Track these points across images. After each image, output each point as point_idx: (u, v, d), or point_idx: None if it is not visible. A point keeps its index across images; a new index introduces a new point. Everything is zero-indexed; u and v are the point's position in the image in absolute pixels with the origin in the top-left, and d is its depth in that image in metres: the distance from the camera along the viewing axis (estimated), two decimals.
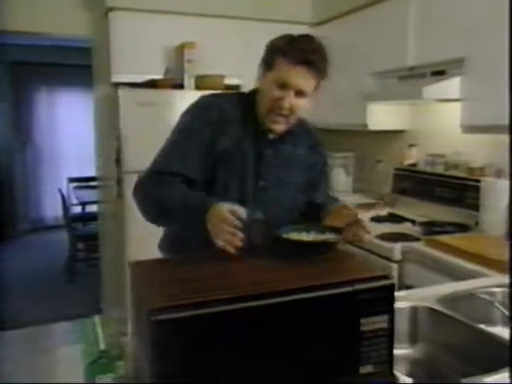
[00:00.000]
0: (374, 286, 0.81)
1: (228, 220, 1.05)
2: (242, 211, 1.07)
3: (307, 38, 1.29)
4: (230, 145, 1.31)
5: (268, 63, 1.30)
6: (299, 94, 1.27)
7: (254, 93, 1.39)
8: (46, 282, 4.35)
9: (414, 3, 2.41)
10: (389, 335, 0.86)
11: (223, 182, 1.31)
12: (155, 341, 0.66)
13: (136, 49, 2.86)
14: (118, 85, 2.82)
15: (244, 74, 2.70)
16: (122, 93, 2.66)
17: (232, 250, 1.01)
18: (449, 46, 2.21)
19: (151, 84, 2.81)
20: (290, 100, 1.26)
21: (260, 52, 1.35)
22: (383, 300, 0.83)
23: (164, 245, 1.46)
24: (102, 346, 0.85)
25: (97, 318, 0.95)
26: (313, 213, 1.40)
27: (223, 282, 0.80)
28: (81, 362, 0.96)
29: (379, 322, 0.84)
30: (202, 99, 1.39)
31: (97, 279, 3.70)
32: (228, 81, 2.95)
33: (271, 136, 1.36)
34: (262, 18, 2.99)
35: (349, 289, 0.80)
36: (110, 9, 2.82)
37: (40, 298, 3.92)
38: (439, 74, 2.29)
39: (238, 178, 1.32)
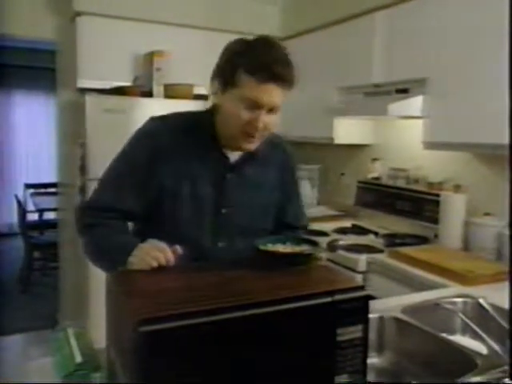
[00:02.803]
0: (352, 297, 0.84)
1: (157, 246, 1.02)
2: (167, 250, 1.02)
3: (269, 47, 1.16)
4: (178, 173, 1.21)
5: (229, 78, 1.16)
6: (271, 110, 1.17)
7: (211, 111, 1.26)
8: None
9: (380, 23, 2.51)
10: (363, 345, 0.88)
11: (171, 214, 1.22)
12: (142, 352, 0.66)
13: (103, 55, 2.82)
14: (83, 90, 2.77)
15: None
16: (88, 99, 2.61)
17: (155, 264, 0.98)
18: (412, 67, 2.31)
19: (119, 91, 2.77)
20: (264, 119, 1.16)
21: None
22: (360, 310, 0.86)
23: None
24: (79, 359, 0.83)
25: (70, 330, 0.93)
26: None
27: (205, 293, 0.80)
28: (50, 376, 0.93)
29: (355, 331, 0.87)
30: (147, 124, 1.27)
31: (53, 290, 3.57)
32: (197, 90, 2.96)
33: (234, 159, 1.26)
34: (232, 30, 3.03)
35: (328, 299, 0.82)
36: (78, 13, 2.78)
37: None
38: (403, 91, 2.39)
39: (192, 208, 1.22)
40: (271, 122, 1.19)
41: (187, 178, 1.21)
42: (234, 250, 1.25)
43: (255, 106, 1.14)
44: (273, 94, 1.13)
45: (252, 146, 1.22)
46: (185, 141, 1.23)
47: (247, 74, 1.12)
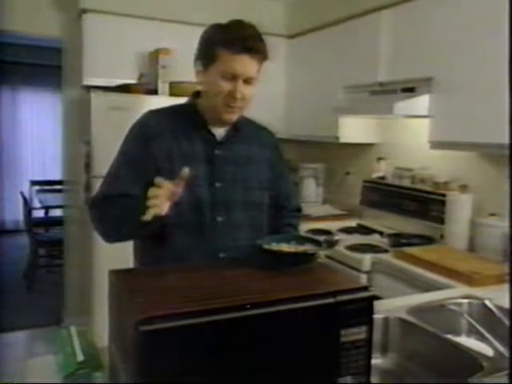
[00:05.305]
0: (355, 298, 0.83)
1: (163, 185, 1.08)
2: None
3: (241, 25, 1.29)
4: (170, 155, 1.30)
5: (208, 56, 1.28)
6: (247, 81, 1.27)
7: (195, 97, 1.39)
8: (3, 288, 4.18)
9: (386, 22, 2.49)
10: (367, 346, 0.87)
11: None
12: (142, 351, 0.65)
13: (109, 52, 2.82)
14: (89, 88, 2.77)
15: None
16: (94, 96, 2.60)
17: (149, 216, 1.02)
18: (418, 66, 2.29)
19: (124, 88, 2.76)
20: (241, 90, 1.27)
21: None
22: (363, 311, 0.85)
23: (137, 255, 1.43)
24: (81, 357, 0.82)
25: (73, 328, 0.93)
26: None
27: (207, 292, 0.80)
28: (54, 374, 0.93)
29: (359, 333, 0.86)
30: (139, 117, 1.39)
31: (58, 287, 3.58)
32: None
33: (220, 136, 1.36)
34: None
35: (331, 300, 0.81)
36: (84, 11, 2.78)
37: None
38: (409, 90, 2.36)
39: (187, 186, 1.29)
40: (248, 93, 1.29)
41: (179, 158, 1.30)
42: (233, 223, 1.33)
43: (232, 76, 1.25)
44: (247, 64, 1.25)
45: (233, 116, 1.33)
46: (173, 124, 1.34)
47: (223, 48, 1.24)
